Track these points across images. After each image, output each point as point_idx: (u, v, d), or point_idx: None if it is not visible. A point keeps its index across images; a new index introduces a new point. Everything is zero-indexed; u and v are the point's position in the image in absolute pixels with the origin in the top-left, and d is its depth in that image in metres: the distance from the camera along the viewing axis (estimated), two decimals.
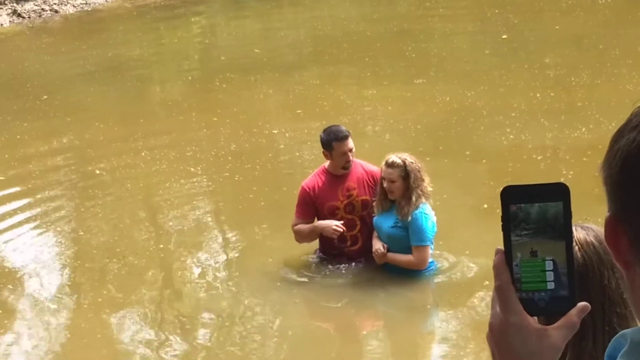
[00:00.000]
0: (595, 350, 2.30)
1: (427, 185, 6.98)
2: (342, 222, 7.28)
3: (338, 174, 7.32)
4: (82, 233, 8.50)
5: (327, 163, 7.38)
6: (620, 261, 1.25)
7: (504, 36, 13.76)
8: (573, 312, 1.28)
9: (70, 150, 10.71)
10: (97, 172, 9.80)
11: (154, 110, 12.08)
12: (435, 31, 14.79)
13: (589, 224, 2.37)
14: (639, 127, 1.21)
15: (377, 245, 7.12)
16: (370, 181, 7.32)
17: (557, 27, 14.08)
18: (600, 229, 2.41)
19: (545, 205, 1.28)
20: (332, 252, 7.42)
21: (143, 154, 10.11)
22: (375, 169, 7.33)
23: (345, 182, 7.31)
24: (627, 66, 11.94)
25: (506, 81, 11.74)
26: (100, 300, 7.29)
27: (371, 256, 7.23)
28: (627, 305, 2.28)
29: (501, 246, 1.30)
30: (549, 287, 1.28)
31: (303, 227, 7.39)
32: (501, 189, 1.29)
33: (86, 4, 18.14)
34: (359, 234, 7.35)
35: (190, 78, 13.39)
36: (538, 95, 11.02)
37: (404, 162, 6.90)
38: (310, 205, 7.34)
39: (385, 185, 6.98)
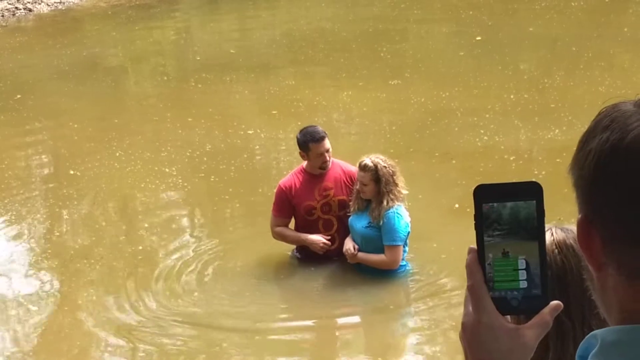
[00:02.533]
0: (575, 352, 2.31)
1: (402, 188, 6.99)
2: (319, 222, 7.32)
3: (315, 173, 7.34)
4: (57, 234, 8.46)
5: (304, 163, 7.40)
6: (592, 263, 1.25)
7: (479, 38, 13.82)
8: (546, 310, 1.28)
9: (44, 150, 10.66)
10: (72, 172, 9.75)
11: (129, 110, 12.04)
12: (410, 32, 14.83)
13: (568, 226, 2.36)
14: (610, 127, 1.21)
15: (348, 245, 7.15)
16: (347, 181, 7.33)
17: (531, 29, 14.15)
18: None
19: (518, 206, 1.28)
20: (308, 251, 7.43)
21: (117, 154, 10.07)
22: (353, 169, 7.35)
23: (323, 182, 7.32)
24: (600, 68, 12.02)
25: (480, 82, 11.79)
26: (78, 302, 7.26)
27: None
28: None
29: (474, 245, 1.30)
30: (521, 286, 1.28)
31: (288, 232, 7.42)
32: (474, 187, 1.29)
33: (60, 3, 18.06)
34: (336, 234, 7.37)
35: (165, 78, 13.36)
36: (512, 96, 11.07)
37: (376, 166, 6.91)
38: (287, 204, 7.36)
39: (358, 186, 7.02)
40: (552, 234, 2.31)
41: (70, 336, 6.86)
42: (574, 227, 2.39)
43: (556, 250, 2.30)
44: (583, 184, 1.24)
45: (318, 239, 7.31)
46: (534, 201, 1.28)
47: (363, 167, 6.95)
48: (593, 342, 1.23)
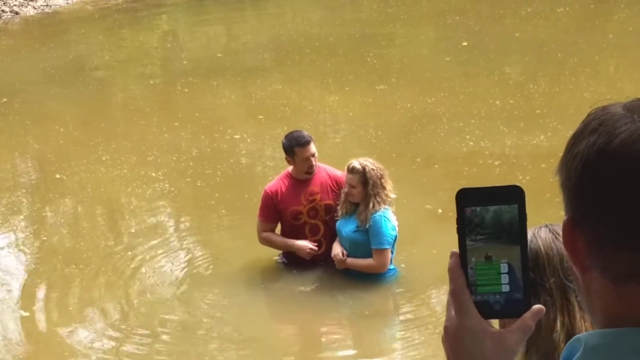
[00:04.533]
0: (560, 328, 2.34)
1: (390, 192, 7.01)
2: (306, 226, 7.32)
3: (301, 178, 7.34)
4: (45, 238, 8.44)
5: (290, 167, 7.40)
6: (577, 265, 1.25)
7: (465, 43, 13.85)
8: (528, 315, 1.28)
9: (30, 153, 10.63)
10: (58, 176, 9.73)
11: (115, 114, 12.02)
12: (397, 37, 14.85)
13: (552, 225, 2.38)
14: (598, 130, 1.21)
15: (337, 251, 7.15)
16: (334, 186, 7.34)
17: (517, 35, 14.19)
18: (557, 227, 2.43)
19: (500, 210, 1.28)
20: (295, 257, 7.43)
21: (104, 158, 10.06)
22: (340, 173, 7.36)
23: (309, 186, 7.33)
24: (585, 74, 12.06)
25: (466, 88, 11.82)
26: (69, 308, 7.24)
27: (333, 261, 7.26)
28: None
29: (457, 249, 1.30)
30: (503, 290, 1.28)
31: (275, 238, 7.42)
32: (456, 191, 1.30)
33: (47, 5, 18.02)
34: (322, 239, 7.37)
35: (152, 82, 13.33)
36: (498, 102, 11.10)
37: (364, 169, 6.93)
38: (273, 209, 7.36)
39: (346, 189, 7.03)
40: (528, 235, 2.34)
41: (61, 343, 6.85)
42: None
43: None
44: (570, 186, 1.24)
45: (305, 244, 7.31)
46: (516, 205, 1.28)
47: (351, 170, 6.96)
48: (577, 345, 1.23)
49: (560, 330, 2.28)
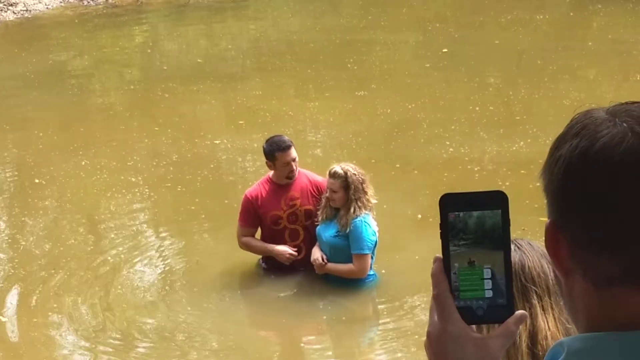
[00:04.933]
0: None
1: (371, 197, 7.01)
2: (286, 231, 7.32)
3: (282, 183, 7.33)
4: (23, 243, 8.39)
5: (271, 172, 7.40)
6: (559, 269, 1.26)
7: (445, 50, 13.89)
8: (511, 320, 1.28)
9: (9, 158, 10.57)
10: (37, 181, 9.69)
11: (95, 119, 11.98)
12: (377, 43, 14.87)
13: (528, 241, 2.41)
14: (581, 134, 1.22)
15: (316, 255, 7.15)
16: (314, 191, 7.34)
17: (497, 42, 14.25)
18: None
19: (483, 215, 1.28)
20: (274, 262, 7.42)
21: (83, 163, 10.02)
22: (320, 179, 7.37)
23: (289, 191, 7.33)
24: (564, 81, 12.12)
25: (446, 94, 11.85)
26: (48, 313, 7.21)
27: (313, 266, 7.25)
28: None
29: (440, 254, 1.30)
30: (487, 295, 1.28)
31: (255, 243, 7.41)
32: (440, 196, 1.29)
33: (27, 10, 17.95)
34: (302, 244, 7.37)
35: (132, 87, 13.30)
36: (477, 108, 11.14)
37: (346, 173, 6.94)
38: (253, 214, 7.35)
39: (327, 194, 7.03)
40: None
41: (38, 348, 6.81)
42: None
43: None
44: (552, 189, 1.24)
45: (284, 249, 7.31)
46: (500, 210, 1.28)
47: (333, 174, 6.97)
48: (559, 350, 1.23)
49: (522, 331, 2.30)
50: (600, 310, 1.23)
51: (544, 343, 2.32)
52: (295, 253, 7.30)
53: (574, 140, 1.22)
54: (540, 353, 2.28)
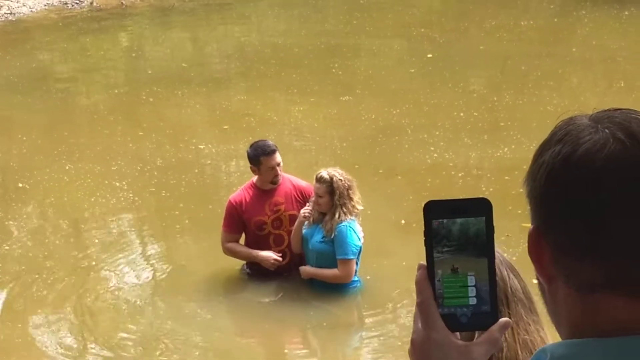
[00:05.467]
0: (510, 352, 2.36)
1: (356, 203, 7.02)
2: (270, 237, 7.31)
3: (266, 188, 7.33)
4: (7, 248, 8.35)
5: (255, 178, 7.39)
6: (542, 275, 1.26)
7: (430, 55, 13.92)
8: (495, 327, 1.28)
9: None
10: (21, 185, 9.65)
11: (79, 123, 11.95)
12: (362, 49, 14.89)
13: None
14: (563, 140, 1.23)
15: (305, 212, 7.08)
16: (298, 196, 7.34)
17: (482, 48, 14.28)
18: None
19: (467, 222, 1.28)
20: (259, 267, 7.41)
21: (67, 167, 9.99)
22: (304, 184, 7.37)
23: (273, 197, 7.32)
24: (549, 88, 12.16)
25: (431, 100, 11.87)
26: (31, 317, 7.18)
27: (298, 271, 7.25)
28: (529, 295, 2.37)
29: (424, 261, 1.29)
30: (470, 303, 1.28)
31: (239, 248, 7.40)
32: (424, 204, 1.29)
33: (11, 14, 17.89)
34: (287, 249, 7.36)
35: (116, 91, 13.27)
36: (462, 114, 11.16)
37: (332, 179, 6.94)
38: (237, 220, 7.34)
39: (314, 198, 7.04)
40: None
41: (22, 355, 6.78)
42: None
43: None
44: (535, 195, 1.25)
45: (269, 255, 7.30)
46: (484, 218, 1.28)
47: (319, 179, 6.97)
48: (542, 356, 1.24)
49: None
50: (583, 316, 1.23)
51: (499, 355, 2.34)
52: (280, 259, 7.29)
53: (557, 146, 1.23)
54: None
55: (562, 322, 1.27)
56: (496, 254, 2.37)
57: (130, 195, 9.37)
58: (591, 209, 1.20)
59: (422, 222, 1.29)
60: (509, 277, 2.41)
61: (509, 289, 2.41)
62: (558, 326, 1.28)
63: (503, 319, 1.29)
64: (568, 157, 1.21)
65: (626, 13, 16.06)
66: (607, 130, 1.22)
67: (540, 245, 1.25)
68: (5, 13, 17.88)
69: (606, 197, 1.19)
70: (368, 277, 7.37)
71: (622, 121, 1.23)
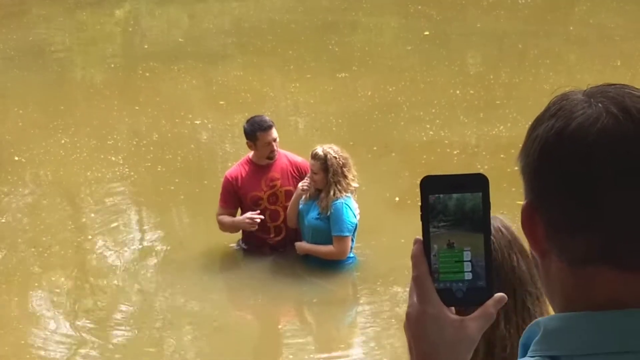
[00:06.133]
0: (509, 330, 2.37)
1: (351, 180, 7.02)
2: (266, 212, 7.30)
3: (262, 164, 7.33)
4: (3, 221, 8.36)
5: (251, 153, 7.39)
6: (536, 249, 1.27)
7: (426, 32, 13.89)
8: (490, 302, 1.29)
9: None
10: (16, 158, 9.65)
11: (75, 97, 11.92)
12: (359, 25, 14.85)
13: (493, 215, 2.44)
14: (557, 115, 1.23)
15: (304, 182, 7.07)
16: (294, 172, 7.35)
17: (479, 25, 14.25)
18: (504, 218, 2.49)
19: (464, 197, 1.28)
20: (255, 242, 7.43)
21: (63, 141, 9.98)
22: (300, 159, 7.37)
23: (269, 172, 7.33)
24: (545, 66, 12.14)
25: (427, 77, 11.86)
26: (29, 291, 7.19)
27: (293, 247, 7.27)
28: (537, 284, 2.36)
29: (420, 236, 1.30)
30: (466, 278, 1.29)
31: (226, 219, 7.40)
32: (421, 179, 1.30)
33: None
34: (282, 225, 7.37)
35: (112, 65, 13.23)
36: (458, 92, 11.15)
37: (326, 156, 6.94)
38: (233, 195, 7.35)
39: (309, 175, 7.05)
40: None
41: (19, 328, 6.80)
42: (499, 215, 2.46)
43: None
44: (529, 170, 1.26)
45: (243, 217, 7.24)
46: (480, 193, 1.29)
47: (314, 156, 6.98)
48: (536, 329, 1.25)
49: None
50: (576, 290, 1.24)
51: (504, 354, 2.35)
52: (258, 216, 7.20)
53: (550, 121, 1.24)
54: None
55: (555, 296, 1.28)
56: (506, 231, 2.38)
57: (126, 169, 9.37)
58: (583, 182, 1.21)
59: (417, 199, 1.30)
60: (518, 264, 2.41)
61: (517, 280, 2.41)
62: (551, 300, 1.30)
63: (498, 294, 1.30)
64: (561, 131, 1.22)
65: None
66: (600, 105, 1.23)
67: (533, 219, 1.26)
68: None
69: (598, 171, 1.20)
70: (363, 254, 7.39)
71: (616, 96, 1.24)
